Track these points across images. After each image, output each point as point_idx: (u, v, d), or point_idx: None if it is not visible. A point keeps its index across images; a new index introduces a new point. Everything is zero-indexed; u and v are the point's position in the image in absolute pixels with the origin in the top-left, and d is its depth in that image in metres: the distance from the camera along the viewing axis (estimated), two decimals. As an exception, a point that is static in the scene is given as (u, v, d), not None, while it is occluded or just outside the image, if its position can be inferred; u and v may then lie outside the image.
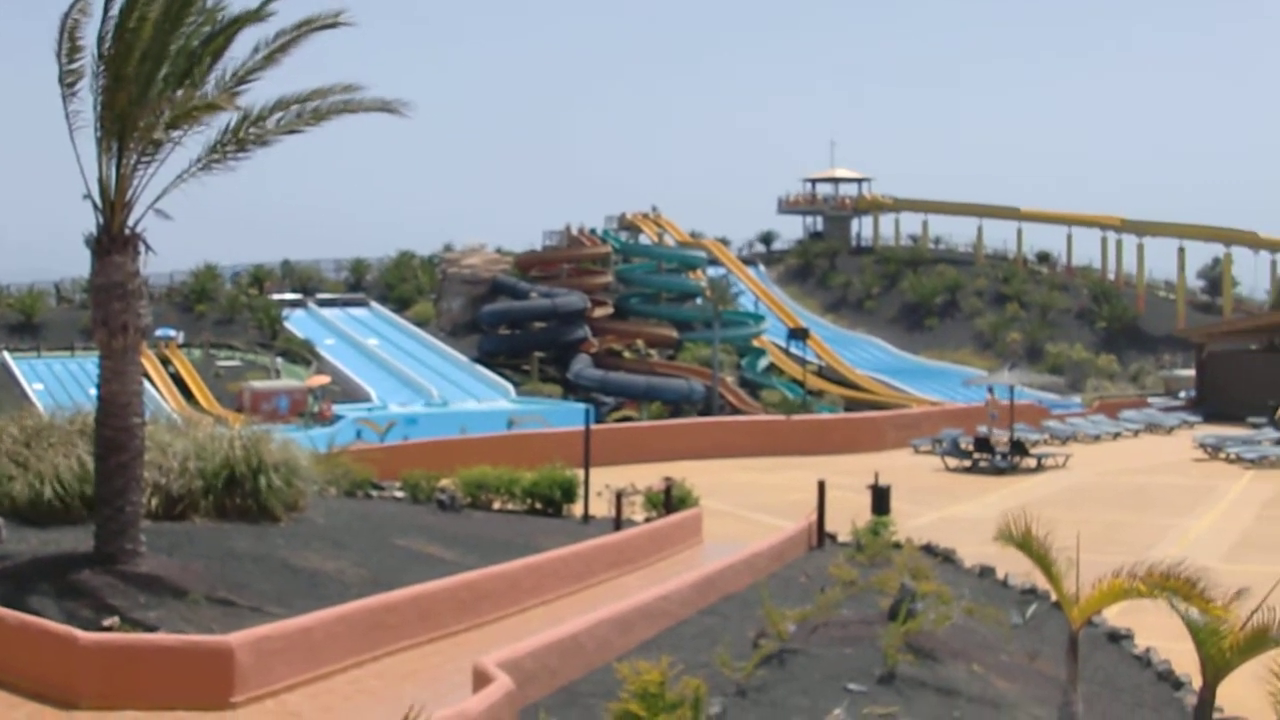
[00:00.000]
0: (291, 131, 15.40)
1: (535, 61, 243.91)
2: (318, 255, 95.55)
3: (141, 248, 14.71)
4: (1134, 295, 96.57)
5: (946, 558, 21.18)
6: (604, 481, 24.18)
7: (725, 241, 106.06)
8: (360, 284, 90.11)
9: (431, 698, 11.14)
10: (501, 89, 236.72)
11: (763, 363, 77.70)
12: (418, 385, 65.13)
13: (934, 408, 51.17)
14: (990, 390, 50.18)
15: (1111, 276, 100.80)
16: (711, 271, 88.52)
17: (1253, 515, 30.05)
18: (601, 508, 23.59)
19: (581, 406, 39.89)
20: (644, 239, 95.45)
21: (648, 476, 25.71)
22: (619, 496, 22.49)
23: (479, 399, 63.39)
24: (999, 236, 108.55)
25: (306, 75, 15.60)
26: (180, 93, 14.74)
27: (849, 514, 21.99)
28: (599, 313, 77.81)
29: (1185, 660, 12.39)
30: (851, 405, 67.54)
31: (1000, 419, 44.57)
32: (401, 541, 18.48)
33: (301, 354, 69.96)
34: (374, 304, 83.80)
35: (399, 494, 25.01)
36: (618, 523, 22.02)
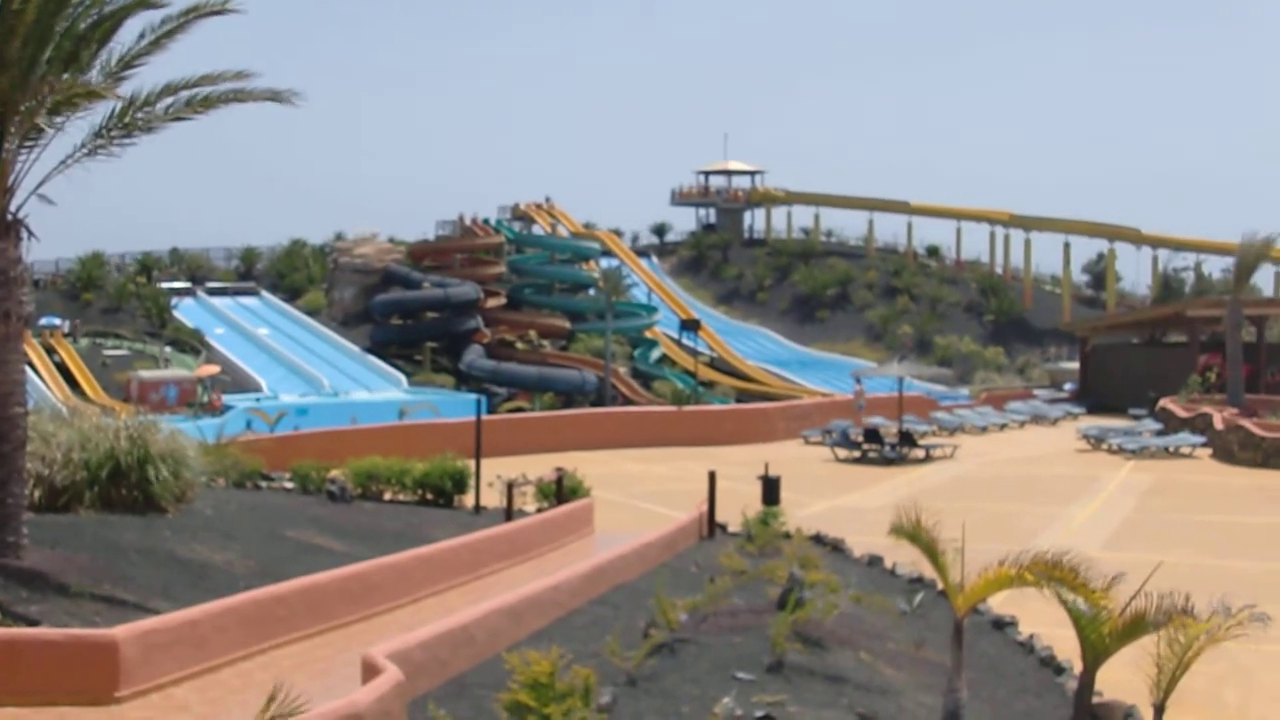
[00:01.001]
0: (179, 119, 15.20)
1: (428, 48, 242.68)
2: (207, 243, 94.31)
3: (24, 234, 14.43)
4: (1021, 289, 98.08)
5: (835, 547, 21.42)
6: (495, 472, 24.13)
7: (619, 233, 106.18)
8: (251, 273, 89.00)
9: (321, 690, 11.08)
10: (392, 75, 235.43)
11: (655, 354, 77.97)
12: (309, 375, 64.61)
13: (824, 399, 51.62)
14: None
15: (999, 270, 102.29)
16: (604, 263, 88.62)
17: (1133, 504, 30.69)
18: (493, 498, 23.54)
19: (473, 397, 39.79)
20: (537, 229, 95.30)
21: (540, 467, 25.70)
22: (510, 487, 22.46)
23: (370, 389, 63.01)
24: (890, 230, 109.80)
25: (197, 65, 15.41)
26: (65, 77, 14.49)
27: (740, 504, 22.15)
28: (492, 303, 77.67)
29: (1067, 646, 12.65)
30: (743, 396, 67.98)
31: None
32: (291, 533, 18.33)
33: (191, 343, 69.08)
34: (265, 293, 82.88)
35: (289, 485, 24.76)
36: (509, 513, 22.00)
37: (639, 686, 11.41)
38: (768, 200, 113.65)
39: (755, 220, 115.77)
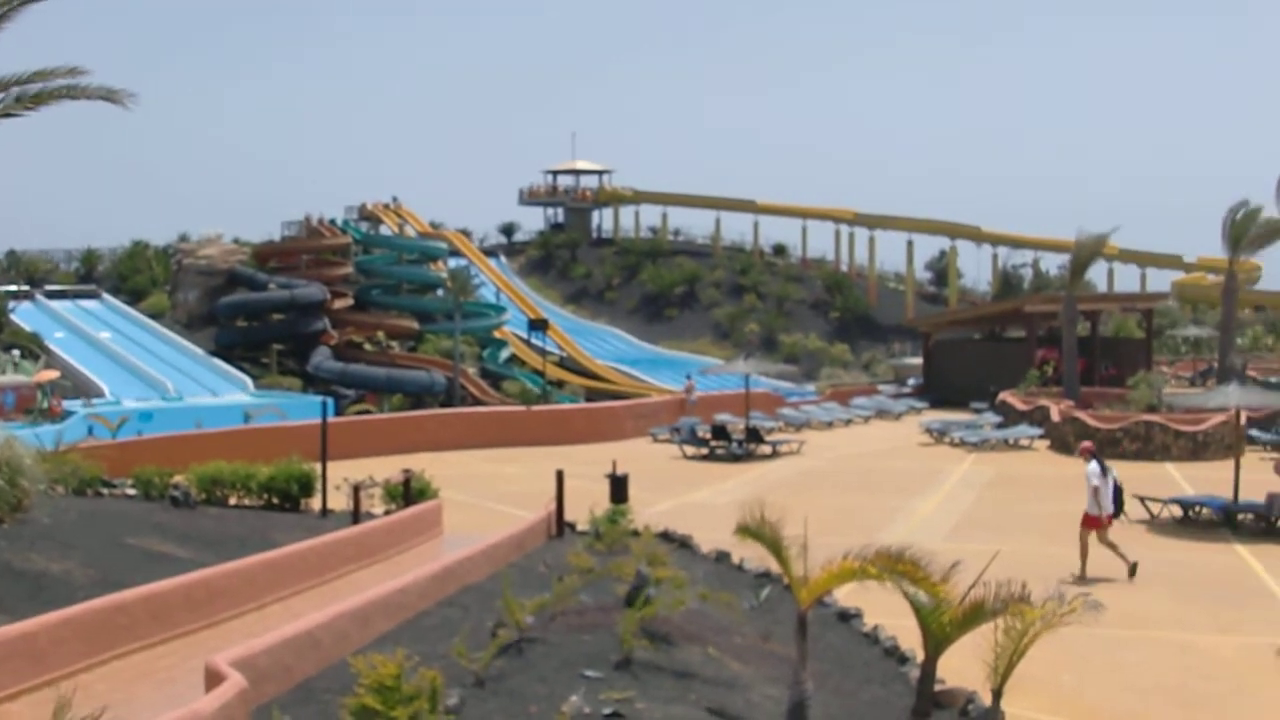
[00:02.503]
0: (9, 114, 14.87)
1: (272, 47, 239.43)
2: (46, 244, 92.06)
3: None
4: (866, 286, 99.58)
5: (683, 544, 21.57)
6: (343, 475, 23.95)
7: (466, 233, 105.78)
8: (92, 275, 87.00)
9: (164, 699, 10.94)
10: (236, 74, 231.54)
11: (504, 354, 77.78)
12: (152, 379, 63.31)
13: (672, 397, 51.88)
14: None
15: (845, 268, 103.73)
16: (453, 263, 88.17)
17: (974, 496, 31.35)
18: (340, 501, 23.35)
19: (320, 399, 39.39)
20: (384, 230, 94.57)
21: (388, 469, 25.55)
22: (357, 490, 22.30)
23: (216, 393, 61.96)
24: (736, 229, 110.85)
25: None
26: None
27: (588, 503, 22.20)
28: (339, 304, 76.83)
29: (911, 636, 12.91)
30: (592, 395, 68.13)
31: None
32: (133, 540, 18.01)
33: (29, 348, 67.30)
34: (106, 296, 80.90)
35: (131, 491, 24.32)
36: (356, 516, 21.84)
37: (487, 687, 11.42)
38: (615, 200, 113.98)
39: (603, 219, 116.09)
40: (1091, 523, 22.36)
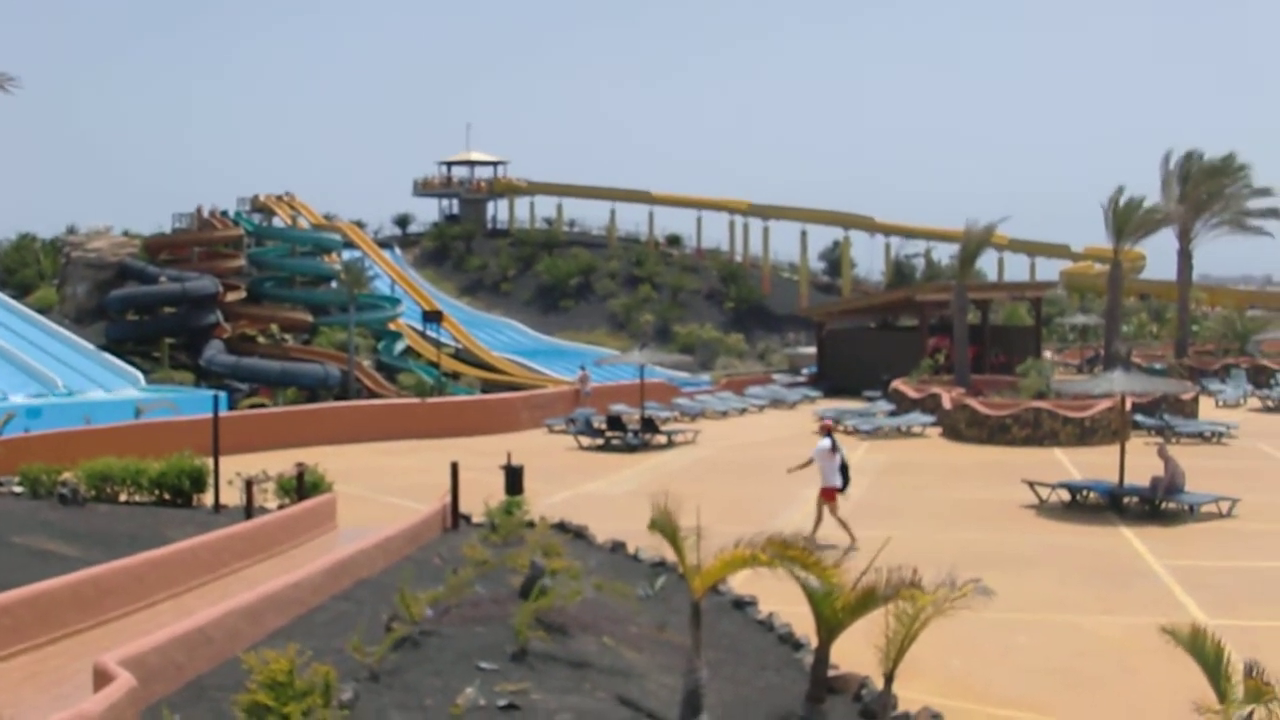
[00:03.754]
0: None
1: (165, 38, 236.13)
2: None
3: None
4: (760, 276, 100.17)
5: (579, 534, 21.61)
6: (236, 469, 23.71)
7: (361, 224, 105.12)
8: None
9: (51, 700, 10.79)
10: (126, 64, 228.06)
11: (399, 346, 77.38)
12: (40, 375, 62.13)
13: (567, 388, 51.87)
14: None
15: (739, 258, 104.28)
16: (347, 255, 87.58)
17: (867, 483, 31.60)
18: (233, 496, 23.11)
19: (213, 393, 38.92)
20: (278, 222, 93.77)
21: (282, 463, 25.30)
22: (250, 484, 22.08)
23: (106, 388, 60.95)
24: (631, 220, 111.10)
25: None
26: None
27: (483, 495, 22.18)
28: (231, 297, 75.99)
29: (805, 622, 13.04)
30: (488, 387, 67.95)
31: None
32: (19, 539, 17.72)
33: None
34: (-9, 290, 79.49)
35: (17, 489, 23.90)
36: (249, 511, 21.63)
37: (381, 681, 11.38)
38: (510, 191, 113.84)
39: (498, 211, 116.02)
40: (828, 494, 23.86)
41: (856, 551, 20.96)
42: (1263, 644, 16.41)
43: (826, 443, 24.27)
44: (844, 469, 24.27)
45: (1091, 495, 28.34)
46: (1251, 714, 9.44)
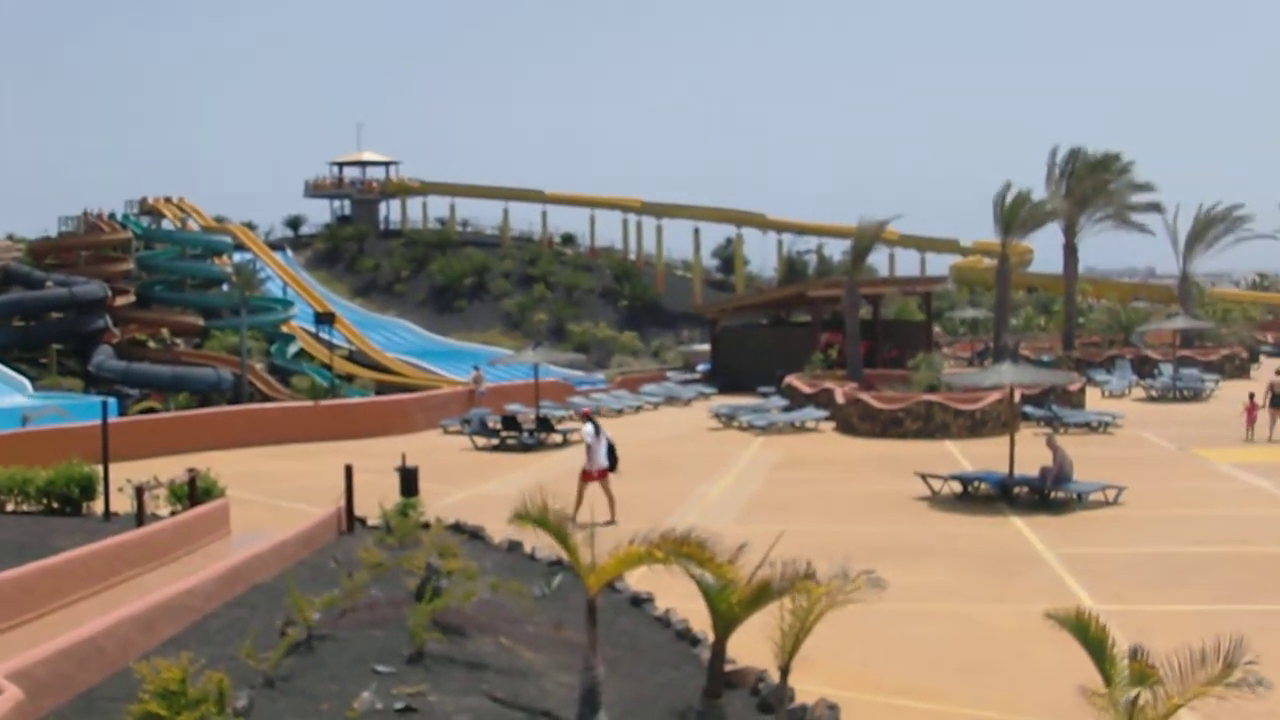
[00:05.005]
0: None
1: (48, 36, 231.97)
2: None
3: None
4: (654, 274, 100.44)
5: (475, 535, 21.56)
6: (126, 476, 23.37)
7: (252, 226, 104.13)
8: None
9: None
10: (6, 65, 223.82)
11: (292, 349, 76.74)
12: (-78, 385, 60.89)
13: (462, 388, 51.70)
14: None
15: (633, 257, 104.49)
16: (238, 257, 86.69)
17: (762, 479, 31.86)
18: (124, 504, 22.79)
19: (100, 400, 38.32)
20: (166, 224, 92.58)
21: (173, 469, 24.98)
22: (140, 491, 21.76)
23: (-9, 396, 59.82)
24: (525, 219, 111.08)
25: None
26: None
27: (378, 497, 22.06)
28: (120, 301, 74.88)
29: (702, 618, 13.08)
30: (383, 389, 67.57)
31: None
32: (-99, 552, 17.37)
33: None
34: None
35: (-101, 501, 23.43)
36: (140, 518, 21.32)
37: (277, 687, 11.29)
38: (403, 191, 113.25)
39: (391, 211, 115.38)
40: (586, 476, 25.87)
41: (616, 525, 21.40)
42: (1150, 627, 16.77)
43: (590, 428, 26.56)
44: (611, 450, 26.38)
45: (982, 486, 28.75)
46: (1137, 696, 9.61)
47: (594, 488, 25.67)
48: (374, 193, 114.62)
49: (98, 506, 23.58)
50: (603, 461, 26.16)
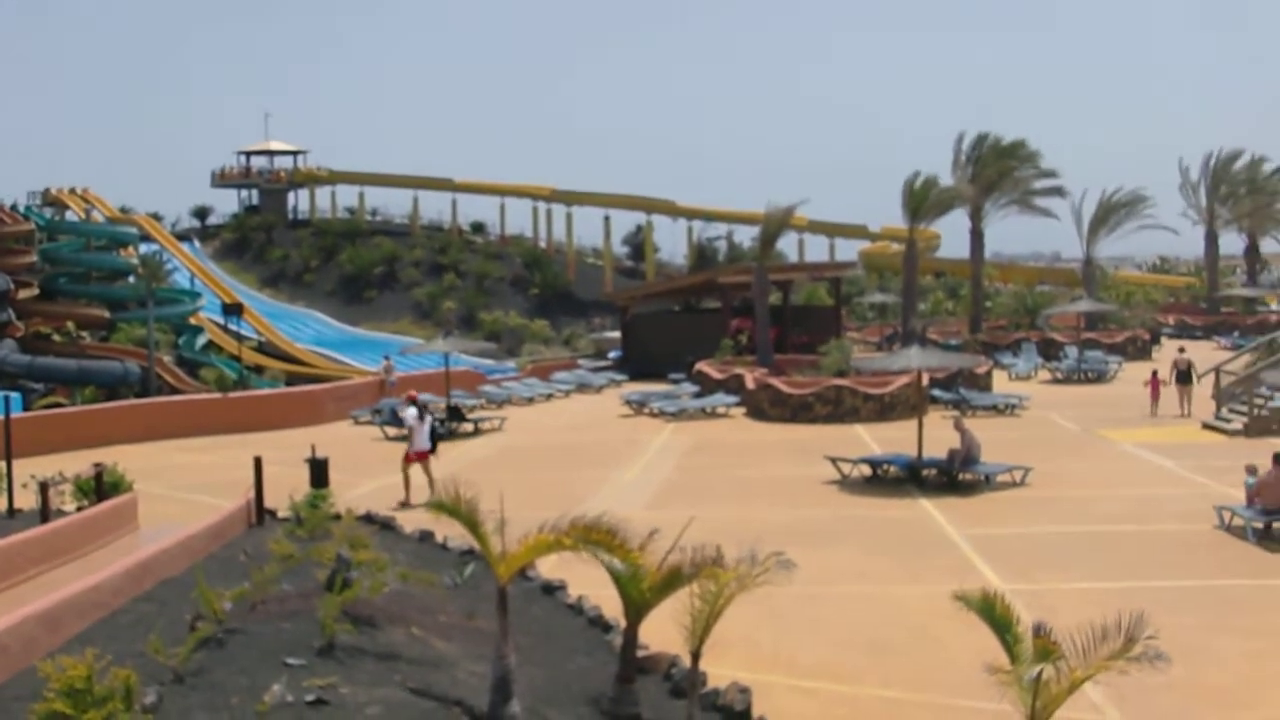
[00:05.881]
0: None
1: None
2: None
3: None
4: (565, 262, 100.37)
5: (386, 525, 21.46)
6: (30, 472, 23.07)
7: (158, 217, 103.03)
8: None
9: None
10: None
11: (200, 340, 75.97)
12: None
13: (373, 378, 51.41)
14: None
15: (543, 244, 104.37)
16: (144, 248, 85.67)
17: (673, 465, 32.00)
18: (29, 500, 22.48)
19: (2, 394, 37.72)
20: (71, 216, 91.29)
21: (79, 464, 24.69)
22: (45, 487, 21.49)
23: (-112, 392, 58.67)
24: (435, 208, 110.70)
25: None
26: None
27: (289, 489, 21.90)
28: (23, 294, 73.55)
29: (615, 605, 13.13)
30: (293, 380, 67.09)
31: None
32: None
33: None
34: None
35: None
36: (45, 514, 21.06)
37: (186, 683, 11.19)
38: (311, 180, 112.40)
39: (299, 201, 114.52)
40: (409, 458, 27.11)
41: (436, 498, 21.70)
42: (1057, 605, 17.08)
43: (413, 411, 27.42)
44: (433, 433, 27.67)
45: (892, 469, 29.06)
46: (1041, 673, 9.79)
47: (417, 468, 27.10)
48: (282, 182, 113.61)
49: (1, 503, 23.24)
50: (424, 444, 27.23)
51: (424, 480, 26.36)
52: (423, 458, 27.07)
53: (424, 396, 44.28)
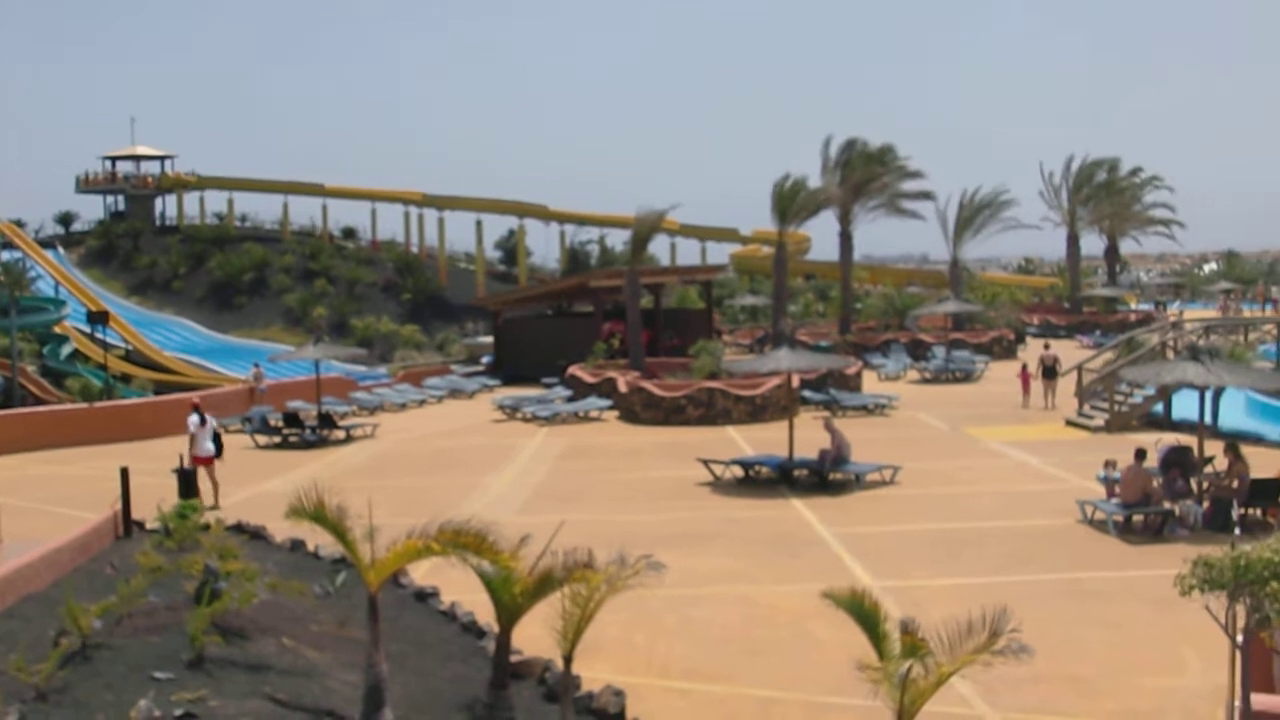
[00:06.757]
0: None
1: None
2: None
3: None
4: (437, 267, 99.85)
5: (257, 535, 21.20)
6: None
7: (20, 224, 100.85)
8: None
9: None
10: None
11: (66, 350, 74.44)
12: None
13: (243, 386, 50.78)
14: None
15: (415, 250, 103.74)
16: (6, 255, 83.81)
17: (546, 469, 31.99)
18: (-114, 516, 21.94)
19: None
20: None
21: (-63, 478, 24.17)
22: (-98, 502, 20.99)
23: None
24: (305, 213, 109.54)
25: None
26: None
27: (157, 499, 21.59)
28: (-123, 305, 71.74)
29: (489, 610, 13.10)
30: (161, 388, 65.97)
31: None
32: None
33: None
34: None
35: None
36: (-98, 530, 20.57)
37: (50, 700, 11.00)
38: (179, 186, 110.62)
39: (167, 207, 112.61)
40: (204, 461, 27.10)
41: (219, 510, 21.72)
42: (926, 601, 17.38)
43: (196, 418, 27.53)
44: (216, 438, 27.87)
45: (763, 470, 29.31)
46: (909, 668, 9.96)
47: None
48: (149, 188, 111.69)
49: None
50: (205, 450, 27.36)
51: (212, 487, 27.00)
52: (206, 463, 27.14)
53: (293, 404, 44.07)
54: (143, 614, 13.88)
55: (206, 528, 19.35)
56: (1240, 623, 10.94)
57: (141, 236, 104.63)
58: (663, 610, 17.34)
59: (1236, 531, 21.70)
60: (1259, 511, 23.41)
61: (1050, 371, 42.33)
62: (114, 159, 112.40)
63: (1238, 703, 11.00)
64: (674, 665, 15.64)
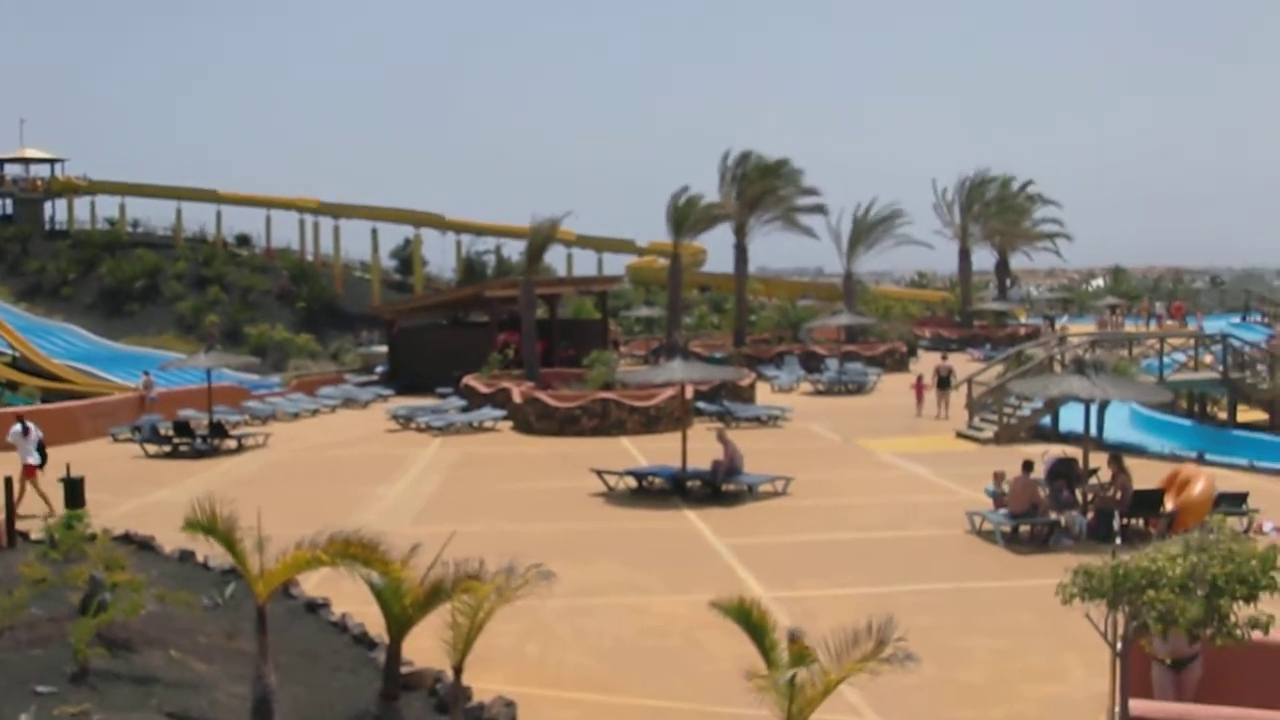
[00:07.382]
0: None
1: None
2: None
3: None
4: (332, 275, 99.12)
5: (145, 545, 20.96)
6: None
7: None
8: None
9: None
10: None
11: (-52, 357, 73.00)
12: None
13: (133, 394, 50.06)
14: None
15: (310, 258, 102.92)
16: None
17: (440, 479, 31.87)
18: None
19: None
20: None
21: None
22: None
23: None
24: (199, 219, 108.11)
25: None
26: None
27: (42, 509, 21.28)
28: None
29: (380, 621, 13.06)
30: (50, 396, 64.80)
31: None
32: None
33: None
34: None
35: None
36: None
37: (-73, 717, 10.85)
38: (70, 190, 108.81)
39: (57, 211, 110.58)
40: (29, 471, 26.51)
41: (54, 517, 21.45)
42: (816, 611, 17.58)
43: (19, 427, 27.38)
44: (40, 448, 27.32)
45: (657, 481, 29.40)
46: (795, 677, 10.08)
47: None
48: (38, 191, 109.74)
49: None
50: (34, 458, 26.97)
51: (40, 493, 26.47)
52: (29, 473, 26.63)
53: (184, 412, 43.55)
54: (25, 626, 13.68)
55: (93, 537, 19.10)
56: (1120, 630, 11.19)
57: (30, 241, 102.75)
58: (555, 621, 17.39)
59: (1118, 541, 22.11)
60: (1141, 522, 23.92)
61: (945, 382, 43.08)
62: (2, 161, 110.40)
63: (1118, 709, 11.25)
64: (566, 675, 15.67)
